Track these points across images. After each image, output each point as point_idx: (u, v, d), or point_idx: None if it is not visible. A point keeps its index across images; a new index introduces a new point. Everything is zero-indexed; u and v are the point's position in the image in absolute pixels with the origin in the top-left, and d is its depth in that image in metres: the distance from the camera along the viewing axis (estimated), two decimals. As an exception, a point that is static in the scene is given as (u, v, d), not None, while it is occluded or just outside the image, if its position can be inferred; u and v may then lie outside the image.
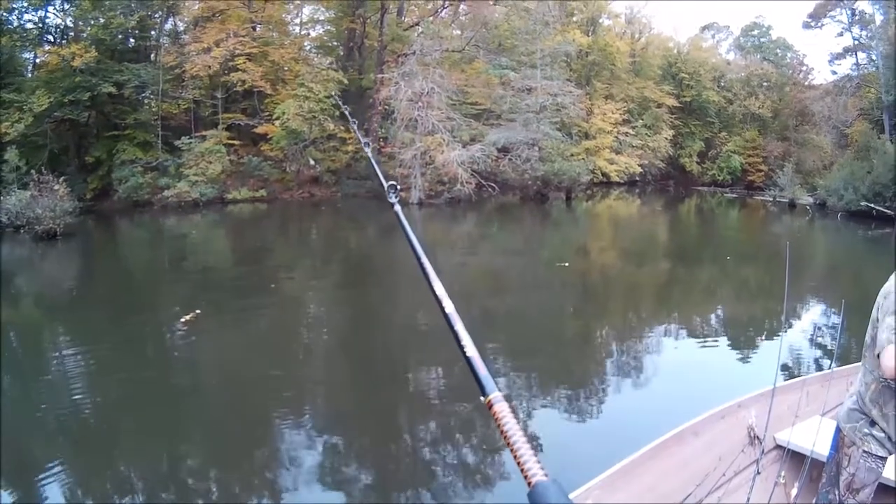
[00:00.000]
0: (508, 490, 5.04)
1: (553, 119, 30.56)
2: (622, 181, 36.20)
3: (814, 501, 2.66)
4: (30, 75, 28.22)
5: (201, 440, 6.12)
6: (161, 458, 5.63)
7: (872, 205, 22.68)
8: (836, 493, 2.50)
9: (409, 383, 7.87)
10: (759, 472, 2.94)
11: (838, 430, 2.55)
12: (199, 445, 6.01)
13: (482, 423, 6.35)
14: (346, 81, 29.98)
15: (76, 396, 7.08)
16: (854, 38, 35.95)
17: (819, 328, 9.96)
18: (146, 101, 29.38)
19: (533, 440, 5.90)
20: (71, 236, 18.84)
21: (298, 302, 12.54)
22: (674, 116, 39.79)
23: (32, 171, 19.81)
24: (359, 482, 5.29)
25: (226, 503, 4.96)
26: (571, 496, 2.52)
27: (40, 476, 5.18)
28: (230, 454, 5.75)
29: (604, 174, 34.94)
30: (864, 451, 2.40)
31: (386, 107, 29.14)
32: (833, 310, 10.65)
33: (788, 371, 7.27)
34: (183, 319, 9.53)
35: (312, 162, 28.56)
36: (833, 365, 4.09)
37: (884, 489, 2.96)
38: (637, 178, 37.50)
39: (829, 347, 8.29)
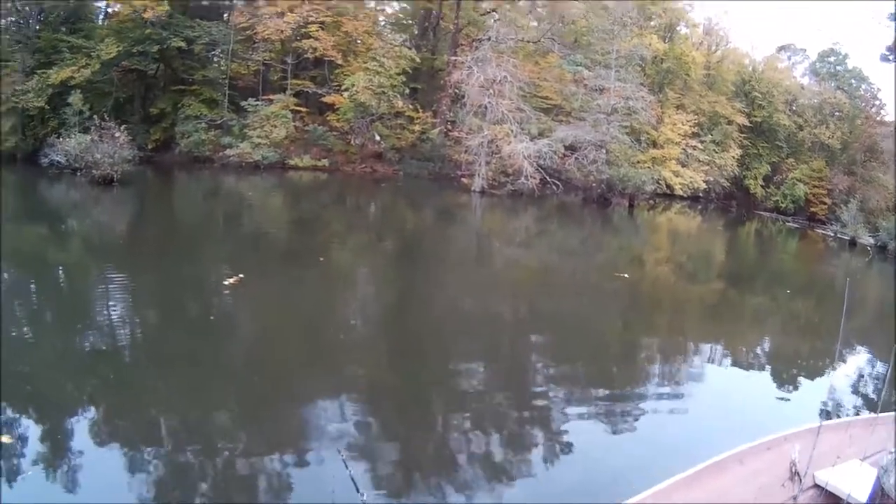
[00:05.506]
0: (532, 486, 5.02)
1: (623, 123, 29.69)
2: (685, 195, 35.13)
3: None
4: (100, 23, 28.43)
5: (228, 398, 6.12)
6: (186, 410, 5.72)
7: (934, 258, 21.82)
8: None
9: (445, 368, 7.72)
10: None
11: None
12: (223, 404, 5.99)
13: (515, 418, 6.35)
14: (418, 60, 29.62)
15: (111, 340, 7.22)
16: (932, 81, 34.46)
17: (866, 373, 9.90)
18: (215, 59, 29.36)
19: (567, 449, 5.83)
20: (128, 183, 18.87)
21: (345, 278, 12.25)
22: (743, 136, 38.53)
23: (95, 117, 19.87)
24: (380, 455, 5.29)
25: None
26: None
27: (69, 415, 5.37)
28: (254, 414, 5.80)
29: (668, 186, 33.96)
30: None
31: (456, 90, 28.63)
32: (882, 356, 10.35)
33: (831, 411, 7.23)
34: (226, 282, 9.45)
35: (378, 137, 28.27)
36: (878, 411, 4.24)
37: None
38: (700, 194, 36.36)
39: (872, 395, 8.27)
